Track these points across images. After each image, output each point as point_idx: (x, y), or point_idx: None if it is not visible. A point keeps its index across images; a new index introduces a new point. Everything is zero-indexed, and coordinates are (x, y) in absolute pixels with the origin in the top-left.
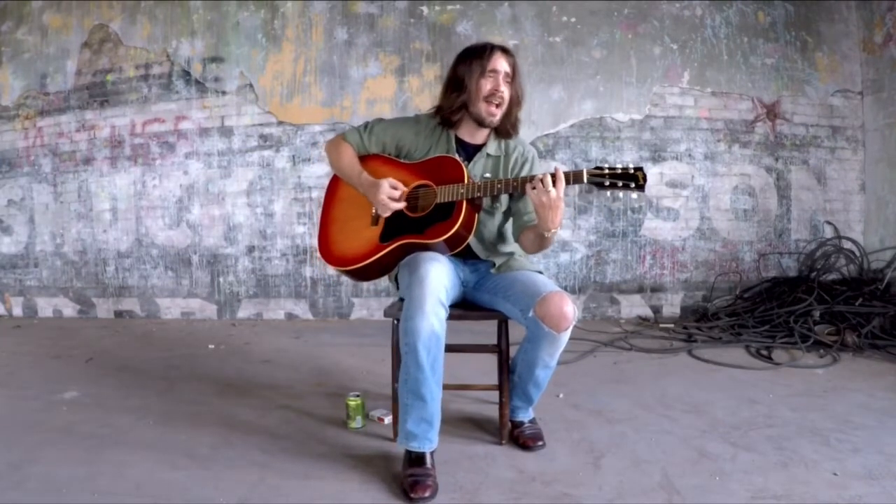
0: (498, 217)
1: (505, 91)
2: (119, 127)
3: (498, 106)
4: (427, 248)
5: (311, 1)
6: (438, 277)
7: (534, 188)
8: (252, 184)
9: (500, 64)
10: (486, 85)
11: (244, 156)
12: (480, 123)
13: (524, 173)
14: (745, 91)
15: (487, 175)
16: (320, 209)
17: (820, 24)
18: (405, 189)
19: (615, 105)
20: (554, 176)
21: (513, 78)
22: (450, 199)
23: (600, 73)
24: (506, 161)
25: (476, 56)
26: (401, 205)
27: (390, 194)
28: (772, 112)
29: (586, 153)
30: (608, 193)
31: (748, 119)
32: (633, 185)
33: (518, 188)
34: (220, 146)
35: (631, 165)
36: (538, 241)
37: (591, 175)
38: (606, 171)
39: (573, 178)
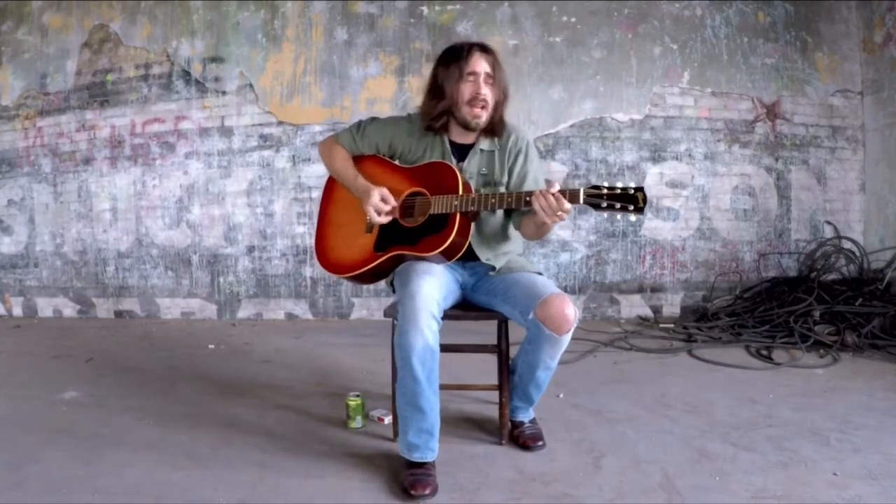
0: (500, 214)
1: (488, 93)
2: (119, 127)
3: (483, 108)
4: (421, 259)
5: (311, 1)
6: (430, 291)
7: (528, 200)
8: (252, 184)
9: (480, 65)
10: (467, 90)
11: (244, 156)
12: (466, 127)
13: (519, 165)
14: (745, 91)
15: (484, 171)
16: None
17: (820, 24)
18: (395, 204)
19: (615, 105)
20: (551, 194)
21: (494, 76)
22: (444, 211)
23: (600, 73)
24: (501, 154)
25: (454, 59)
26: (387, 218)
27: (378, 207)
28: (772, 112)
29: (586, 153)
30: (605, 215)
31: (748, 119)
32: (631, 207)
33: (513, 203)
34: (220, 146)
35: (632, 185)
36: (538, 228)
37: (587, 195)
38: (605, 191)
39: (569, 197)
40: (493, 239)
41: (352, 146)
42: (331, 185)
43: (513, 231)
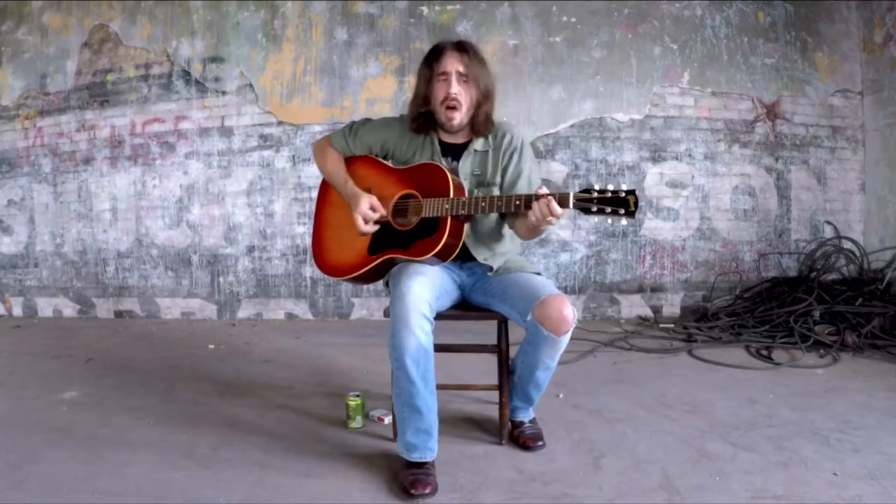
0: (494, 214)
1: (460, 92)
2: (119, 127)
3: (454, 109)
4: (414, 262)
5: (311, 1)
6: (420, 292)
7: (529, 206)
8: (252, 184)
9: (451, 64)
10: (440, 91)
11: (244, 156)
12: (443, 128)
13: (513, 165)
14: (745, 91)
15: (477, 172)
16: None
17: (820, 24)
18: (384, 213)
19: (615, 105)
20: (539, 198)
21: (468, 74)
22: (434, 215)
23: (600, 73)
24: (494, 154)
25: (427, 61)
26: (373, 227)
27: (366, 215)
28: (772, 112)
29: (586, 153)
30: (595, 220)
31: (748, 119)
32: (622, 210)
33: (503, 207)
34: (220, 146)
35: (623, 188)
36: (530, 230)
37: (577, 199)
38: (595, 195)
39: (559, 201)
40: (488, 238)
41: (344, 148)
42: (326, 188)
43: (508, 230)
